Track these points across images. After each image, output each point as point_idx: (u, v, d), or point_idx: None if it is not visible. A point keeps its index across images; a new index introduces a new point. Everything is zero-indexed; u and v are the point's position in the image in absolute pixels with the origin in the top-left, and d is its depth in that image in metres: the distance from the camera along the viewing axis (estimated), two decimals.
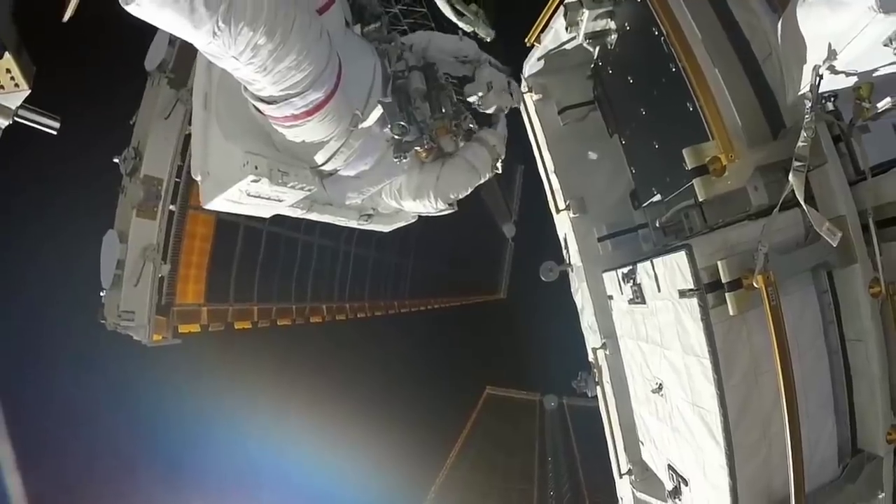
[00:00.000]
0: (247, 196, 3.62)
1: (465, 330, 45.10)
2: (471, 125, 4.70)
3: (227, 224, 14.65)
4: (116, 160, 10.91)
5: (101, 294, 10.81)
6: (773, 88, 4.64)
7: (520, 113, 7.86)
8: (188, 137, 10.82)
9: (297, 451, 31.91)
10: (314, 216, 4.68)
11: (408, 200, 4.65)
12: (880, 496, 4.73)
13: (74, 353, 16.99)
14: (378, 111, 3.83)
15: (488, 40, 4.77)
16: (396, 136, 3.96)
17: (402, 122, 3.93)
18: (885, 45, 3.26)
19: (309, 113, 3.29)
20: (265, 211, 4.07)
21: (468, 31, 5.01)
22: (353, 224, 5.09)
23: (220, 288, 14.69)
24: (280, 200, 3.84)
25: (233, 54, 2.73)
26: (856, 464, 4.83)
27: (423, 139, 4.08)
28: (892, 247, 4.48)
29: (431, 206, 4.63)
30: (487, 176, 4.75)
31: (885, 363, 4.60)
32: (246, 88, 3.20)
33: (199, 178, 3.73)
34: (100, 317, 10.93)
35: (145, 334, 10.95)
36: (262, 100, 3.20)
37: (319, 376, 29.00)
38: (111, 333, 10.71)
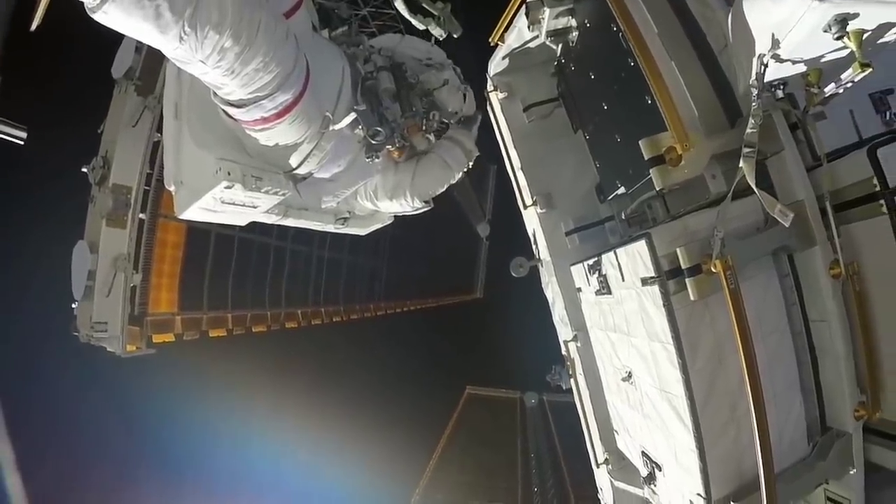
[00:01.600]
0: (221, 203, 3.62)
1: (443, 331, 45.02)
2: (443, 122, 4.73)
3: (199, 231, 14.56)
4: (85, 169, 10.82)
5: (73, 306, 10.70)
6: (730, 78, 4.74)
7: (487, 111, 7.95)
8: (156, 145, 10.77)
9: (278, 454, 31.74)
10: (290, 222, 4.68)
11: (384, 201, 4.68)
12: (851, 472, 4.88)
13: (49, 363, 16.84)
14: (350, 116, 3.86)
15: (455, 36, 4.80)
16: (373, 141, 4.01)
17: (378, 128, 3.99)
18: (825, 32, 3.37)
19: (279, 115, 3.31)
20: (241, 218, 4.06)
21: (428, 28, 5.03)
22: (330, 228, 5.09)
23: (193, 296, 14.61)
24: (255, 206, 3.84)
25: (200, 58, 2.76)
26: (826, 441, 4.97)
27: (394, 138, 4.12)
28: (851, 229, 4.64)
29: (408, 205, 4.66)
30: (460, 175, 4.81)
31: (849, 342, 4.75)
32: (215, 93, 3.22)
33: (172, 188, 3.73)
34: (72, 329, 10.82)
35: (119, 345, 10.85)
36: (231, 104, 3.22)
37: (296, 381, 28.84)
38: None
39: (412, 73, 4.46)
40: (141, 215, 11.34)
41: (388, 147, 4.14)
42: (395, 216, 5.37)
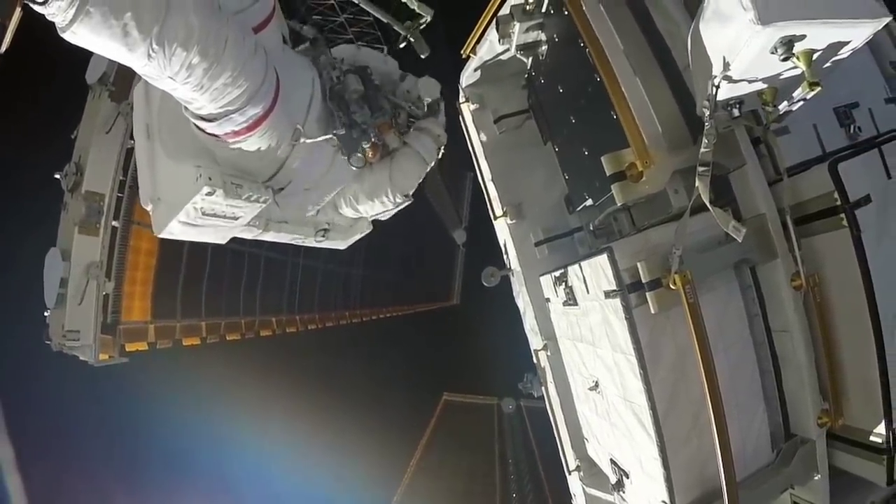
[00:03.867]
0: (202, 216, 3.61)
1: (420, 337, 44.92)
2: (410, 118, 4.77)
3: (172, 239, 14.37)
4: (58, 176, 10.70)
5: (46, 314, 10.56)
6: (693, 94, 4.83)
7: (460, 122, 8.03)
8: (130, 151, 10.65)
9: (253, 463, 31.52)
10: (270, 236, 4.66)
11: (365, 203, 4.68)
12: (816, 477, 5.02)
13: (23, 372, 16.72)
14: (323, 136, 3.89)
15: (423, 56, 4.85)
16: (353, 166, 4.07)
17: (359, 154, 4.04)
18: (772, 53, 3.48)
19: (249, 129, 3.34)
20: (221, 233, 4.06)
21: (406, 36, 5.06)
22: (312, 242, 5.06)
23: (166, 304, 14.43)
24: (235, 218, 3.83)
25: (169, 74, 2.79)
26: (789, 448, 5.09)
27: (368, 136, 4.13)
28: (813, 241, 4.76)
29: (390, 202, 4.65)
30: (434, 162, 4.84)
31: (811, 351, 4.87)
32: (186, 108, 3.25)
33: (149, 208, 3.73)
34: (45, 337, 10.68)
35: (91, 354, 10.70)
36: (202, 118, 3.25)
37: (271, 391, 28.67)
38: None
39: (376, 75, 4.49)
40: (114, 223, 11.20)
41: (363, 145, 4.15)
42: (373, 225, 5.38)
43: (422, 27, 4.93)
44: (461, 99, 7.86)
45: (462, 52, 7.44)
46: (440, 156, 4.83)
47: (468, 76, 7.61)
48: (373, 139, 4.15)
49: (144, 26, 2.53)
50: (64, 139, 11.00)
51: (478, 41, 7.09)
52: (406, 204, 4.80)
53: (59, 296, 10.28)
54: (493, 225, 8.00)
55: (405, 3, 4.83)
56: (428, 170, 4.74)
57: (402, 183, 4.57)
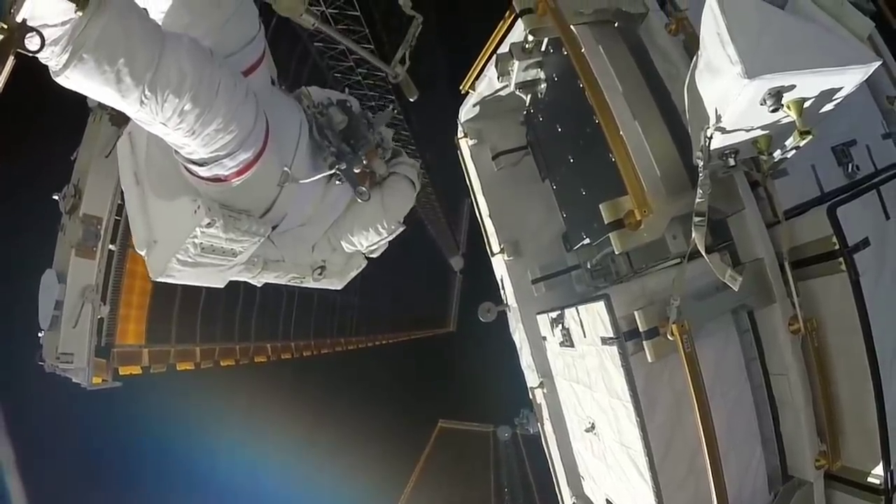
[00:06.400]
0: (201, 252, 3.54)
1: (416, 364, 44.97)
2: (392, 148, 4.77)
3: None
4: (56, 197, 10.69)
5: (40, 335, 10.49)
6: (692, 140, 4.85)
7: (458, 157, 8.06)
8: None
9: (247, 490, 31.27)
10: (269, 276, 4.58)
11: (359, 235, 4.65)
12: None
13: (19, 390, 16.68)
14: (313, 176, 3.87)
15: (411, 100, 4.85)
16: (361, 200, 4.07)
17: (364, 188, 4.02)
18: (762, 104, 3.48)
19: (239, 173, 3.31)
20: (220, 274, 3.97)
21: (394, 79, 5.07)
22: (310, 282, 5.05)
23: (161, 328, 14.41)
24: (235, 255, 3.76)
25: (161, 120, 2.77)
26: (787, 490, 5.05)
27: (359, 160, 4.12)
28: (810, 284, 4.74)
29: (385, 230, 4.62)
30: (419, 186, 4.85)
31: (809, 394, 4.83)
32: (177, 152, 3.24)
33: (144, 252, 3.67)
34: (38, 358, 10.61)
35: (85, 377, 10.57)
36: (193, 162, 3.23)
37: (264, 416, 28.53)
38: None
39: (354, 107, 4.50)
40: (111, 246, 11.15)
41: (355, 170, 4.13)
42: (369, 258, 5.36)
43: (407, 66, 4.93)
44: (460, 134, 7.88)
45: (461, 87, 7.48)
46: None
47: (467, 111, 7.63)
48: (364, 166, 4.15)
49: (137, 73, 2.52)
50: (63, 161, 11.00)
51: (477, 77, 7.12)
52: (399, 231, 4.80)
53: (54, 318, 10.20)
54: (489, 253, 7.98)
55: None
56: (416, 194, 4.75)
57: (395, 208, 4.58)
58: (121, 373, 12.64)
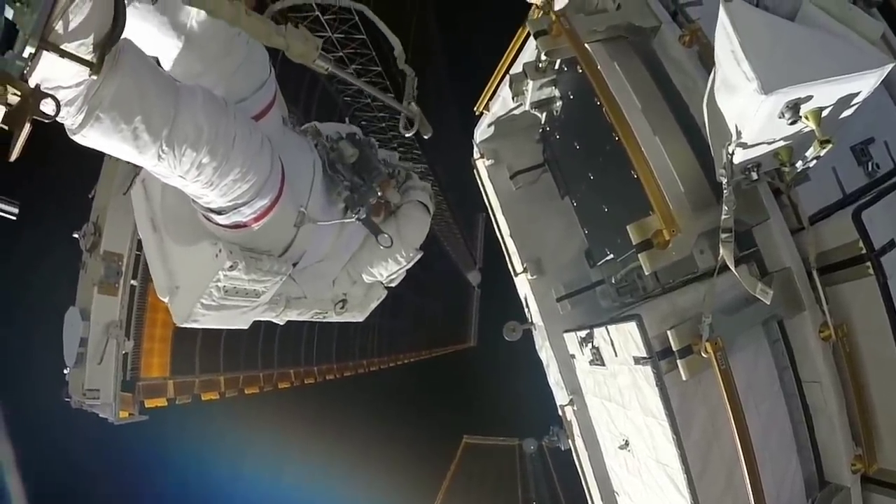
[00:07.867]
0: (225, 295, 3.54)
1: (439, 381, 44.88)
2: (404, 172, 4.78)
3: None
4: (76, 235, 10.81)
5: (65, 372, 10.59)
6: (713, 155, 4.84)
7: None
8: None
9: None
10: (292, 314, 4.60)
11: (379, 266, 4.66)
12: None
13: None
14: (329, 221, 3.91)
15: (426, 137, 4.86)
16: (383, 246, 4.13)
17: (387, 235, 4.08)
18: (780, 118, 3.49)
19: (258, 218, 3.34)
20: (244, 316, 3.98)
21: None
22: (333, 317, 5.04)
23: (185, 360, 14.49)
24: (258, 295, 3.75)
25: (179, 174, 2.79)
26: (824, 496, 5.01)
27: (374, 192, 4.14)
28: (838, 289, 4.71)
29: (405, 259, 4.64)
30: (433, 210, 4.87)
31: (842, 399, 4.79)
32: (195, 201, 3.27)
33: (167, 299, 3.68)
34: (64, 395, 10.70)
35: (111, 412, 10.70)
36: (212, 211, 3.25)
37: (289, 441, 28.56)
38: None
39: (363, 140, 4.52)
40: (133, 282, 11.26)
41: (370, 201, 4.14)
42: (388, 288, 5.37)
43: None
44: (476, 155, 7.91)
45: (475, 108, 7.51)
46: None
47: (482, 132, 7.66)
48: (378, 196, 4.16)
49: (154, 129, 2.53)
50: (82, 199, 11.14)
51: (490, 98, 7.15)
52: (417, 258, 4.81)
53: (79, 355, 10.30)
54: (507, 265, 7.95)
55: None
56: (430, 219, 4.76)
57: (412, 236, 4.59)
58: (147, 405, 12.65)
